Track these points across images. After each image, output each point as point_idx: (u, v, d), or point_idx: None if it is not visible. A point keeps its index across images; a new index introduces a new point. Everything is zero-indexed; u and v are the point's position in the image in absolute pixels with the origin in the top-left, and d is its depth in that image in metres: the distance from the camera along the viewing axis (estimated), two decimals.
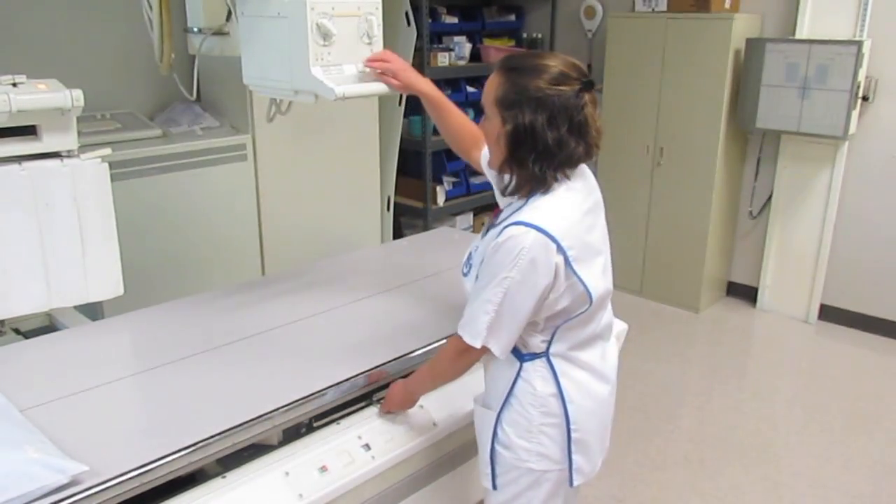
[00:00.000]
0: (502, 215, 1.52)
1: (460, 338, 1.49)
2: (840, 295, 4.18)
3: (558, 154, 1.42)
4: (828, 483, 2.83)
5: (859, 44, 3.66)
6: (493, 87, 1.46)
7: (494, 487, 1.61)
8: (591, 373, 1.56)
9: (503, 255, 1.40)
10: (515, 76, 1.42)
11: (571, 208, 1.46)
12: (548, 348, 1.52)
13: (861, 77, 3.73)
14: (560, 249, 1.40)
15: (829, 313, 4.24)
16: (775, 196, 4.28)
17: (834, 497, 2.75)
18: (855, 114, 3.79)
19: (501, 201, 1.62)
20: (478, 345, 1.45)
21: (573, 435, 1.54)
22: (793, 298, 4.32)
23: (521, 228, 1.40)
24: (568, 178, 1.47)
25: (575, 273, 1.43)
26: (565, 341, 1.52)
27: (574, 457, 1.55)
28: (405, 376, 1.73)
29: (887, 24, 3.76)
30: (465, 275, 1.58)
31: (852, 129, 3.81)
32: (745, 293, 4.54)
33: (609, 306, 1.62)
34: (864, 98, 3.83)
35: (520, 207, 1.46)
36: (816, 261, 4.19)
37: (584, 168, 1.54)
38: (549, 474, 1.56)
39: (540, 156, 1.42)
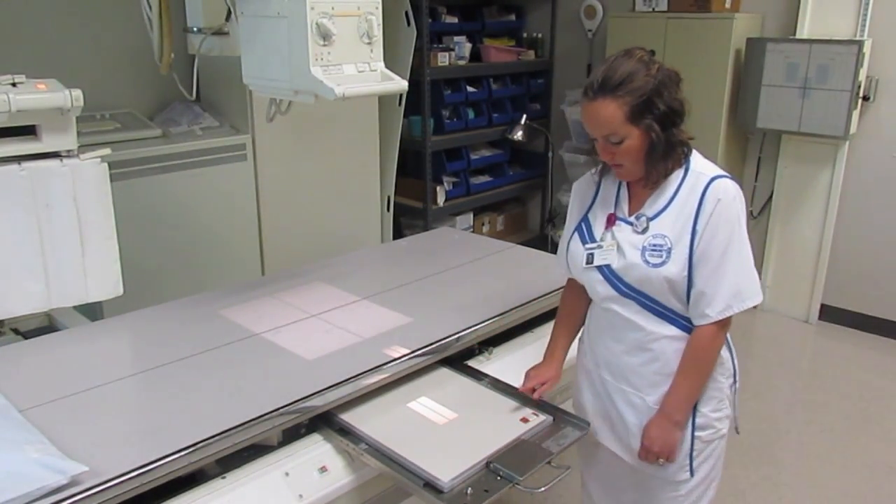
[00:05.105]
0: (658, 201, 1.58)
1: (718, 319, 1.54)
2: (840, 295, 4.18)
3: (683, 112, 1.55)
4: (828, 483, 2.83)
5: (860, 43, 3.65)
6: (611, 113, 1.49)
7: (693, 475, 1.67)
8: None
9: (730, 209, 1.51)
10: (625, 88, 1.47)
11: None
12: None
13: (862, 77, 3.73)
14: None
15: (829, 313, 4.23)
16: (776, 196, 4.28)
17: (834, 497, 2.75)
18: (855, 114, 3.79)
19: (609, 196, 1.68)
20: (761, 298, 1.57)
21: (736, 385, 1.72)
22: (793, 298, 4.32)
23: (723, 181, 1.53)
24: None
25: None
26: None
27: (736, 403, 1.73)
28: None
29: (888, 24, 3.76)
30: (657, 265, 1.55)
31: (853, 128, 3.80)
32: None
33: None
34: (865, 98, 3.83)
35: (683, 179, 1.56)
36: (817, 261, 4.19)
37: None
38: (725, 430, 1.69)
39: (679, 125, 1.54)
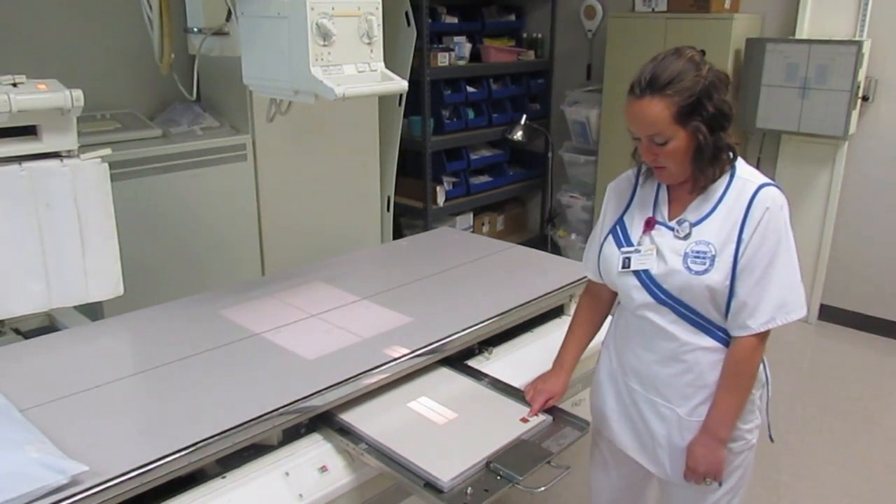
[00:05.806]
0: (702, 206, 1.53)
1: (760, 331, 1.49)
2: (840, 295, 4.18)
3: (731, 116, 1.50)
4: (828, 483, 2.83)
5: (859, 44, 3.65)
6: (657, 112, 1.44)
7: (720, 484, 1.62)
8: None
9: (778, 217, 1.47)
10: (673, 87, 1.43)
11: None
12: None
13: (861, 77, 3.73)
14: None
15: (829, 313, 4.23)
16: None
17: (834, 497, 2.75)
18: (855, 114, 3.79)
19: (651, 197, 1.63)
20: (805, 311, 1.52)
21: (770, 394, 1.66)
22: None
23: (771, 189, 1.50)
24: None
25: None
26: None
27: (770, 412, 1.68)
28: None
29: (887, 24, 3.76)
30: (700, 273, 1.50)
31: (852, 129, 3.81)
32: None
33: None
34: (864, 98, 3.83)
35: (729, 184, 1.52)
36: (816, 261, 4.19)
37: None
38: (755, 440, 1.64)
39: (726, 129, 1.50)
